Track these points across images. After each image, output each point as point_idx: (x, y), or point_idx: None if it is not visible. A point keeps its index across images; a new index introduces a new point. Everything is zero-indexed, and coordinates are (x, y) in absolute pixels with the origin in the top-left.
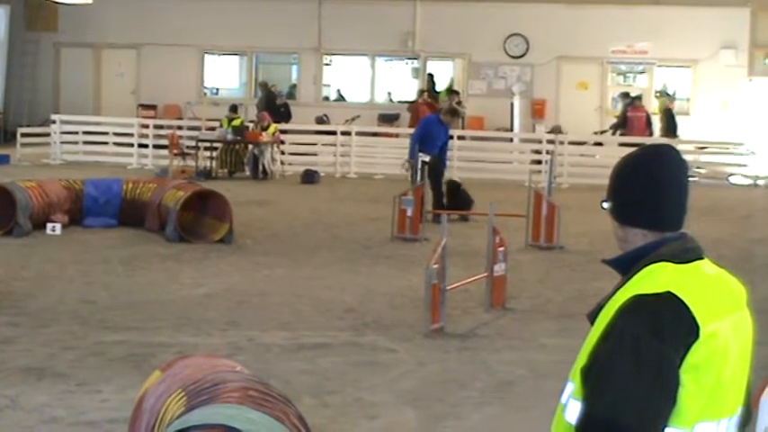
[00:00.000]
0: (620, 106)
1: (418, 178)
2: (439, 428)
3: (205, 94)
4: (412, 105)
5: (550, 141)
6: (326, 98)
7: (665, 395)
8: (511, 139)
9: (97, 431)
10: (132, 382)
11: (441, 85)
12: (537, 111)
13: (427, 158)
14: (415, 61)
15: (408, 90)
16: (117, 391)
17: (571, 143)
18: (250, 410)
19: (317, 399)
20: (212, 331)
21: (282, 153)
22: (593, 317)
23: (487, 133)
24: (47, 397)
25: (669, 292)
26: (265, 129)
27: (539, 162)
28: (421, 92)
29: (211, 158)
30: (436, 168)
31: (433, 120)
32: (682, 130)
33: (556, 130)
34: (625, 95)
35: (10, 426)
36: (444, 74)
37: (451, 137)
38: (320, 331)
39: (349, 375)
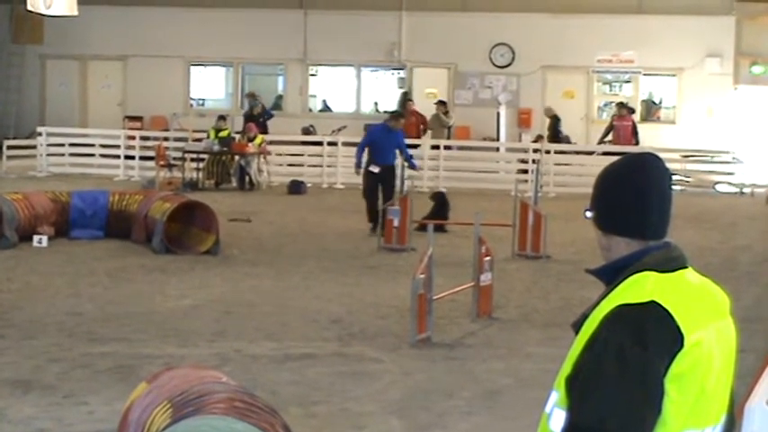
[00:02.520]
0: (605, 115)
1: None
2: None
3: (191, 105)
4: None
5: (536, 150)
6: (312, 109)
7: (649, 405)
8: (497, 149)
9: None
10: (119, 393)
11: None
12: (523, 120)
13: (377, 169)
14: (401, 71)
15: (394, 100)
16: (104, 402)
17: (558, 152)
18: (236, 421)
19: (304, 409)
20: (199, 342)
21: (268, 163)
22: (577, 326)
23: (474, 143)
24: (34, 409)
25: (653, 302)
26: (252, 140)
27: (525, 171)
28: (406, 101)
29: (198, 170)
30: (387, 178)
31: (376, 129)
32: (668, 139)
33: (565, 140)
34: (621, 105)
35: None
36: (430, 83)
37: (438, 147)
38: (307, 342)
39: (335, 386)
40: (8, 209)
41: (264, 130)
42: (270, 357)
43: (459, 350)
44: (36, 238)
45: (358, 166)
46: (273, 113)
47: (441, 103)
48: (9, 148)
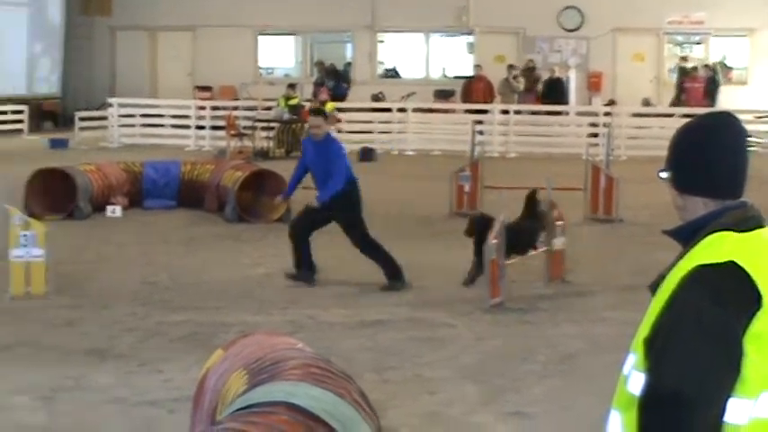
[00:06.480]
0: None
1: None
2: (500, 402)
3: (260, 74)
4: (467, 82)
5: (607, 114)
6: (382, 75)
7: (728, 365)
8: (567, 113)
9: (160, 410)
10: (194, 361)
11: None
12: (593, 84)
13: (316, 204)
14: (470, 36)
15: (463, 65)
16: (179, 370)
17: (634, 115)
18: (312, 387)
19: (378, 375)
20: (273, 310)
21: (339, 131)
22: (654, 287)
23: (543, 107)
24: (110, 378)
25: (731, 262)
26: (323, 104)
27: (595, 135)
28: (477, 67)
29: (268, 138)
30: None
31: (305, 142)
32: (740, 100)
33: (645, 102)
34: (706, 66)
35: (75, 406)
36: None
37: (507, 112)
38: (379, 308)
39: (409, 351)
40: (82, 180)
41: (339, 98)
42: (343, 324)
43: (532, 314)
44: (109, 208)
45: (285, 194)
46: (346, 88)
47: (510, 67)
48: (81, 119)
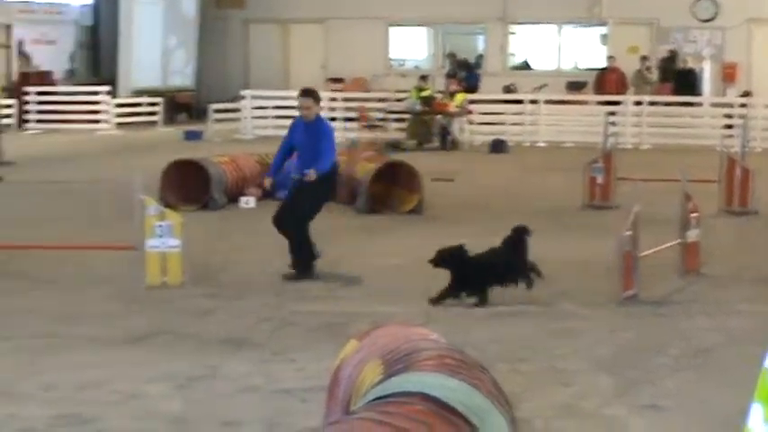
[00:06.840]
0: None
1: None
2: (634, 394)
3: (391, 66)
4: (600, 73)
5: (743, 105)
6: (513, 67)
7: None
8: (701, 104)
9: (294, 399)
10: (328, 351)
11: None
12: (728, 75)
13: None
14: (603, 27)
15: (596, 57)
16: (313, 360)
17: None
18: (447, 378)
19: (511, 366)
20: (406, 300)
21: (471, 123)
22: None
23: (676, 98)
24: (245, 367)
25: None
26: (453, 94)
27: (730, 126)
28: (610, 58)
29: (401, 130)
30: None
31: (294, 123)
32: None
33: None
34: None
35: (211, 395)
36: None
37: (640, 103)
38: (513, 299)
39: (542, 343)
40: (215, 171)
41: (471, 89)
42: (476, 315)
43: (666, 307)
44: (243, 199)
45: (269, 174)
46: (478, 79)
47: (644, 58)
48: (215, 111)
